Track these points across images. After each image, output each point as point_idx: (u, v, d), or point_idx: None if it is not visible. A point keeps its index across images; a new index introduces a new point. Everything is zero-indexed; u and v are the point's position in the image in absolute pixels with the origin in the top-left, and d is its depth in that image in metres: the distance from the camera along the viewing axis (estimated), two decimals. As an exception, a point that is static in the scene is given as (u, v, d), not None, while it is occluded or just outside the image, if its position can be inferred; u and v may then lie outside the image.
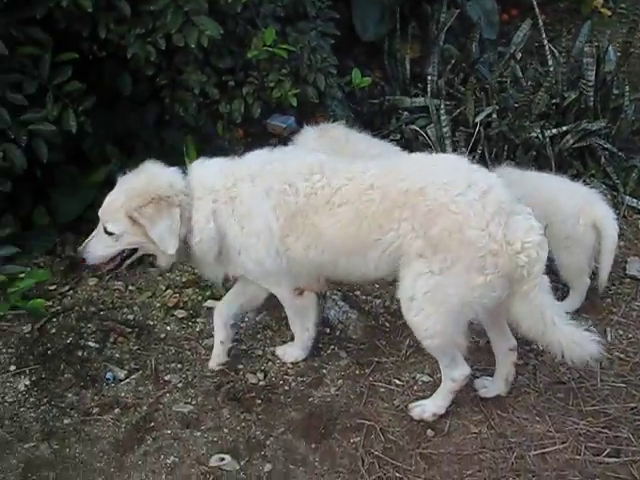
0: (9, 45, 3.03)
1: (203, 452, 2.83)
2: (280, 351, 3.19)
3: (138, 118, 3.86)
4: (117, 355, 3.23)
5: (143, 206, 2.71)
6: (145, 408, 3.00)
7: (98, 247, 2.83)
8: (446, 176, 2.64)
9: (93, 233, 2.85)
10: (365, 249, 2.70)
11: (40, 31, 3.19)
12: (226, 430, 2.91)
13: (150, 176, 2.83)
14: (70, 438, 2.89)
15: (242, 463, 2.79)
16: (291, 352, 3.17)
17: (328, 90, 3.78)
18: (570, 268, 3.34)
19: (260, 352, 3.22)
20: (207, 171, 2.87)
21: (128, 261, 2.91)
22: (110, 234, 2.78)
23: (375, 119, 4.41)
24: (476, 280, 2.58)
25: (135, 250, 2.87)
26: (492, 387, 3.00)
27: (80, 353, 3.23)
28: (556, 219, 3.21)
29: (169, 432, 2.91)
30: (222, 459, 2.81)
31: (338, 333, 3.29)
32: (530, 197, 3.06)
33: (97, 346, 3.26)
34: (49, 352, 3.23)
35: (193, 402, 3.02)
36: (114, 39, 3.39)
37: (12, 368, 3.15)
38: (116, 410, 2.99)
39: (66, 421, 2.95)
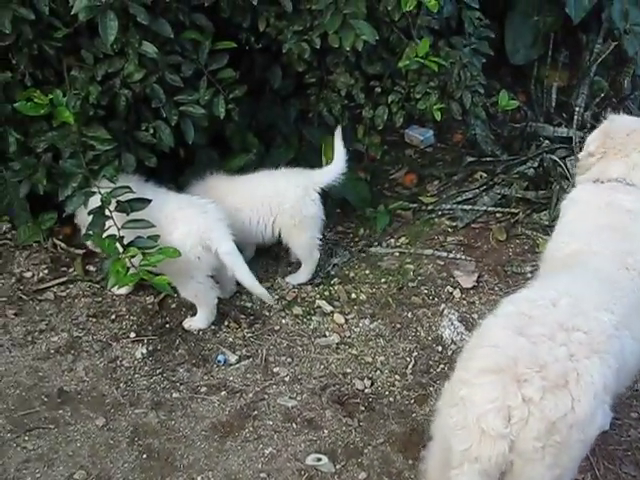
0: (174, 29, 3.14)
1: (301, 449, 2.86)
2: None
3: (281, 112, 3.92)
4: (230, 339, 3.30)
5: None
6: (251, 395, 3.05)
7: None
8: None
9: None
10: None
11: (204, 18, 3.28)
12: (326, 431, 2.93)
13: None
14: (177, 412, 2.97)
15: (337, 467, 2.79)
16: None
17: (473, 108, 3.72)
18: (305, 247, 3.51)
19: (370, 359, 3.22)
20: None
21: None
22: None
23: (514, 143, 4.34)
24: None
25: None
26: None
27: (195, 332, 3.33)
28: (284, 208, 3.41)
29: (270, 423, 2.95)
30: (319, 459, 2.82)
31: (450, 353, 3.25)
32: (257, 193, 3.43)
33: (212, 328, 3.34)
34: (167, 325, 3.35)
35: (298, 398, 3.05)
36: (272, 33, 3.47)
37: (132, 335, 3.28)
38: (223, 392, 3.06)
39: (175, 395, 3.04)
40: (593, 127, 4.14)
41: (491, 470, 1.99)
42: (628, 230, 2.47)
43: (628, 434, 2.97)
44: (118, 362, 3.17)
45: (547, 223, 3.89)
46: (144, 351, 3.21)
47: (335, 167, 3.50)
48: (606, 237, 2.45)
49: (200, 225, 3.19)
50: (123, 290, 3.45)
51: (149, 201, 3.02)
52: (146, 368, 3.15)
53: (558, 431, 1.95)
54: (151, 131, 3.28)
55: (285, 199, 3.45)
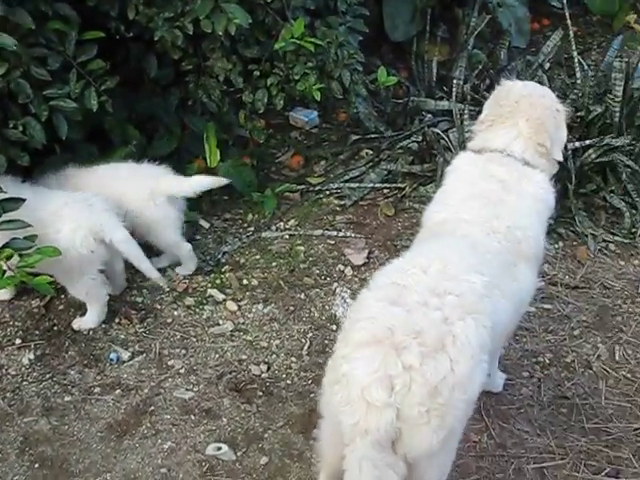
0: (37, 20, 3.01)
1: (200, 440, 2.83)
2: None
3: (160, 101, 3.84)
4: (122, 336, 3.22)
5: None
6: (146, 391, 3.00)
7: None
8: None
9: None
10: None
11: (68, 7, 3.17)
12: (225, 420, 2.90)
13: None
14: (70, 415, 2.89)
15: (239, 454, 2.78)
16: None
17: (352, 86, 3.74)
18: (168, 244, 3.47)
19: (265, 344, 3.20)
20: None
21: None
22: None
23: (398, 119, 4.39)
24: None
25: None
26: None
27: (86, 332, 3.23)
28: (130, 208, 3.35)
29: (168, 417, 2.90)
30: (219, 448, 2.80)
31: (344, 331, 3.26)
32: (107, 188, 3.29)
33: (103, 326, 3.25)
34: (55, 328, 3.24)
35: (194, 389, 3.01)
36: (142, 21, 3.38)
37: (18, 341, 3.16)
38: (117, 391, 2.99)
39: (67, 398, 2.96)
40: (473, 99, 4.27)
41: (382, 440, 2.00)
42: (496, 198, 2.52)
43: (520, 393, 3.07)
44: (4, 371, 3.05)
45: (433, 195, 3.96)
46: (31, 357, 3.10)
47: (188, 185, 3.41)
48: (475, 205, 2.50)
49: (88, 218, 3.11)
50: (5, 295, 3.32)
51: (23, 200, 2.90)
52: (35, 374, 3.04)
53: (440, 394, 1.98)
54: (20, 128, 3.14)
55: (129, 199, 3.35)
